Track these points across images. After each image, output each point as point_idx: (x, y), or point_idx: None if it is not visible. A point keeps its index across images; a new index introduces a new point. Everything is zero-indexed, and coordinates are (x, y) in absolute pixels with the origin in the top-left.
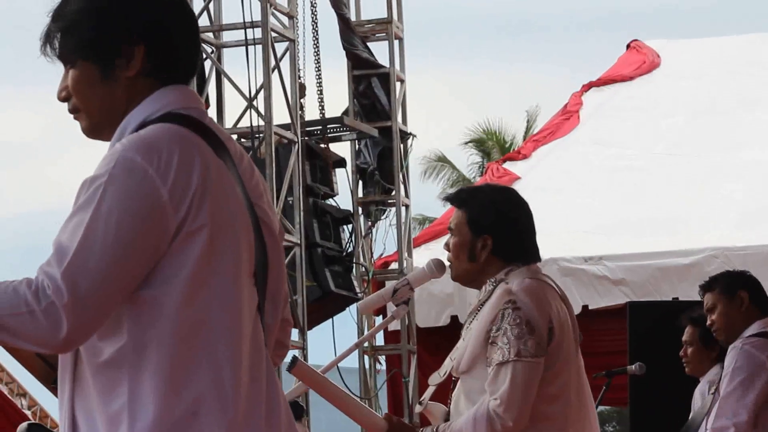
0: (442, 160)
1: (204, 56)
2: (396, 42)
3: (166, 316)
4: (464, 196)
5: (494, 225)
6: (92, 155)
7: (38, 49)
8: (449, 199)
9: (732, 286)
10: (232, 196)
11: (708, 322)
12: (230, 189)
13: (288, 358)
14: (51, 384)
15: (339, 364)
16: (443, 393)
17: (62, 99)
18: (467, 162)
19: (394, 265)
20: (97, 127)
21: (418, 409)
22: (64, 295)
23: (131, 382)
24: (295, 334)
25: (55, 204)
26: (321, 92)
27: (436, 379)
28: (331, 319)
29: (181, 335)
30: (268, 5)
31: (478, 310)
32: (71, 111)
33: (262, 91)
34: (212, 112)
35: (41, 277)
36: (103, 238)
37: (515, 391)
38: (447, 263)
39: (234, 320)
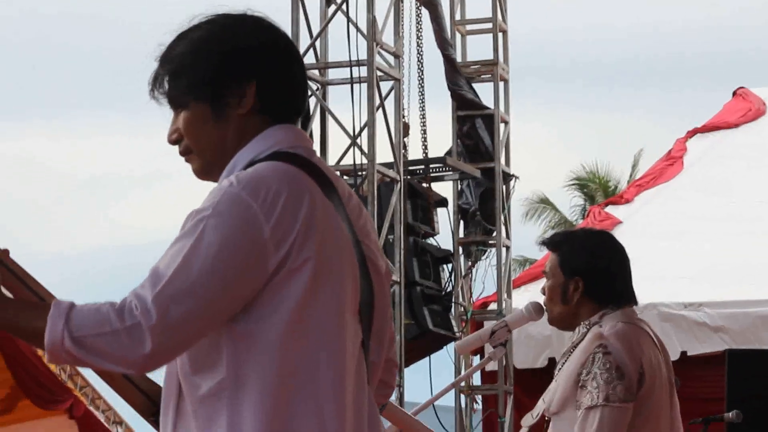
0: (545, 201)
1: (309, 93)
2: (501, 84)
3: (264, 351)
4: (558, 239)
5: (586, 267)
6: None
7: (147, 94)
8: (544, 243)
9: None
10: (339, 234)
11: None
12: (337, 227)
13: None
14: (151, 417)
15: (435, 403)
16: None
17: (173, 141)
18: (570, 204)
19: (492, 306)
20: (209, 167)
21: None
22: (152, 317)
23: (230, 415)
24: None
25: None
26: (425, 132)
27: (528, 420)
28: (428, 358)
29: (282, 370)
30: (375, 44)
31: (571, 352)
32: (182, 153)
33: (365, 129)
34: (316, 149)
35: (130, 298)
36: (199, 269)
37: None
38: (545, 306)
39: (337, 357)
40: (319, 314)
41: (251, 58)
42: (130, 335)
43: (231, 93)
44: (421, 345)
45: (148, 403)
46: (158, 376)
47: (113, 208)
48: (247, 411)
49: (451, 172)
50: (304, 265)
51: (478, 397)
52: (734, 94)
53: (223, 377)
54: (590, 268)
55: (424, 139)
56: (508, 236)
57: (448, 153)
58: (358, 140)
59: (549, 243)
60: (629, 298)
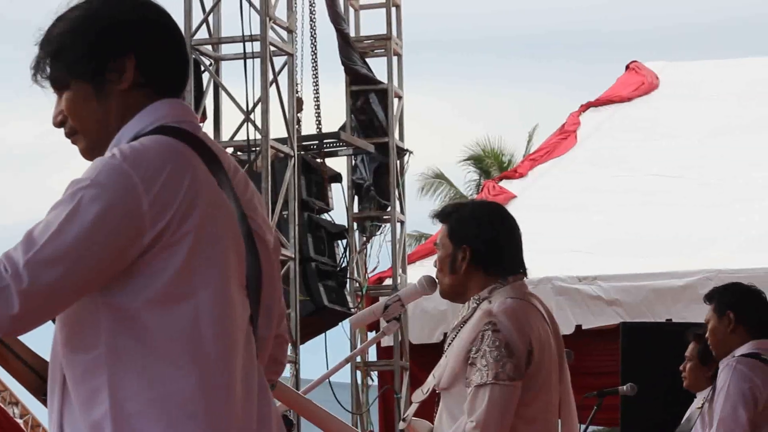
0: (440, 177)
1: (202, 69)
2: (395, 58)
3: (140, 325)
4: (448, 211)
5: (474, 236)
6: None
7: (30, 78)
8: (436, 215)
9: (722, 305)
10: (223, 209)
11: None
12: (221, 202)
13: None
14: (41, 395)
15: (331, 379)
16: (429, 409)
17: (58, 124)
18: (465, 179)
19: (388, 281)
20: (95, 145)
21: (401, 425)
22: (23, 281)
23: (111, 390)
24: None
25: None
26: (318, 107)
27: (419, 396)
28: (323, 334)
29: (161, 344)
30: (268, 19)
31: (461, 328)
32: (68, 134)
33: (259, 105)
34: (209, 125)
35: (0, 260)
36: (74, 236)
37: (492, 414)
38: (437, 279)
39: (222, 329)
40: (199, 286)
41: (128, 32)
42: None
43: (110, 68)
44: (317, 321)
45: (38, 381)
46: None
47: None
48: (128, 386)
49: (345, 147)
50: (182, 239)
51: (374, 374)
52: (627, 67)
53: (99, 353)
54: (478, 237)
55: (318, 115)
56: (402, 211)
57: (342, 128)
58: (252, 116)
59: (439, 214)
60: (518, 268)
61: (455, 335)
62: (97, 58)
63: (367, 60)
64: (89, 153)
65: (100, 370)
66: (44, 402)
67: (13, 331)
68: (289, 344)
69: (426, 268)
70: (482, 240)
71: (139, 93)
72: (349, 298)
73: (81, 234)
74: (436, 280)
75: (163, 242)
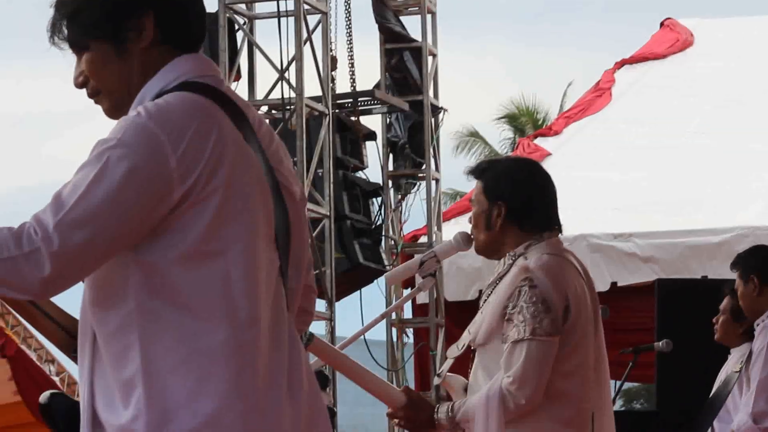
0: (474, 135)
1: (236, 28)
2: (429, 16)
3: (170, 281)
4: (483, 167)
5: (509, 191)
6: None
7: (47, 41)
8: (470, 171)
9: (746, 270)
10: (250, 163)
11: None
12: (247, 156)
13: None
14: (72, 353)
15: (367, 337)
16: (464, 365)
17: (80, 85)
18: (499, 138)
19: (423, 239)
20: (119, 105)
21: (436, 381)
22: (54, 243)
23: (143, 347)
24: (322, 305)
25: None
26: (352, 65)
27: (454, 351)
28: (359, 292)
29: (191, 300)
30: None
31: (497, 284)
32: (91, 95)
33: (293, 64)
34: (243, 84)
35: (30, 223)
36: (103, 197)
37: (529, 369)
38: (472, 235)
39: (251, 285)
40: (228, 242)
41: None
42: (28, 260)
43: (129, 27)
44: (352, 279)
45: (68, 338)
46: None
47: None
48: (159, 343)
49: (379, 106)
50: (211, 195)
51: (410, 331)
52: (662, 25)
53: (130, 309)
54: (513, 193)
55: (352, 73)
56: (437, 169)
57: (377, 86)
58: (286, 74)
59: (474, 170)
60: (553, 224)
61: (491, 291)
62: (115, 19)
63: (401, 18)
64: (113, 112)
65: (131, 327)
66: (75, 359)
67: (46, 293)
68: (325, 301)
69: (461, 225)
70: (517, 195)
71: (160, 50)
72: (384, 256)
73: (109, 194)
74: (472, 237)
75: (192, 199)
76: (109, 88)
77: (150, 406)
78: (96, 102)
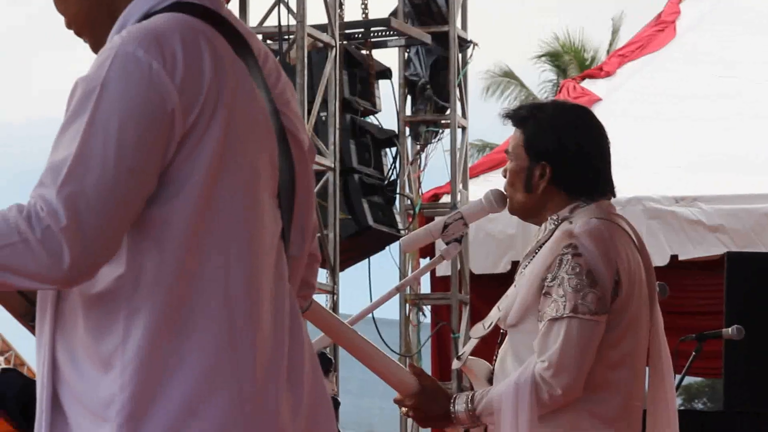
0: (509, 75)
1: None
2: None
3: (171, 239)
4: (524, 114)
5: (555, 150)
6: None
7: None
8: (508, 115)
9: None
10: (253, 100)
11: None
12: (250, 92)
13: None
14: (29, 322)
15: (375, 314)
16: (490, 349)
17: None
18: (539, 79)
19: (445, 198)
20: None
21: (455, 365)
22: (61, 217)
23: (128, 319)
24: (323, 275)
25: None
26: None
27: (479, 331)
28: (367, 260)
29: (185, 264)
30: None
31: (536, 253)
32: (70, 26)
33: None
34: (234, 7)
35: (33, 200)
36: (103, 150)
37: (568, 353)
38: (506, 192)
39: (250, 248)
40: (228, 197)
41: None
42: (44, 244)
43: None
44: (359, 244)
45: (26, 304)
46: None
47: None
48: (148, 317)
49: (396, 37)
50: (211, 137)
51: (427, 308)
52: None
53: (122, 272)
54: (559, 152)
55: None
56: (464, 115)
57: (393, 14)
58: None
59: (513, 116)
60: (606, 188)
61: (529, 261)
62: None
63: None
64: (99, 47)
65: (121, 293)
66: (32, 329)
67: (72, 280)
68: (327, 271)
69: (492, 182)
70: (566, 156)
71: None
72: (398, 218)
73: (111, 144)
74: (506, 195)
75: (193, 139)
76: (80, 21)
77: (137, 382)
78: (79, 36)
